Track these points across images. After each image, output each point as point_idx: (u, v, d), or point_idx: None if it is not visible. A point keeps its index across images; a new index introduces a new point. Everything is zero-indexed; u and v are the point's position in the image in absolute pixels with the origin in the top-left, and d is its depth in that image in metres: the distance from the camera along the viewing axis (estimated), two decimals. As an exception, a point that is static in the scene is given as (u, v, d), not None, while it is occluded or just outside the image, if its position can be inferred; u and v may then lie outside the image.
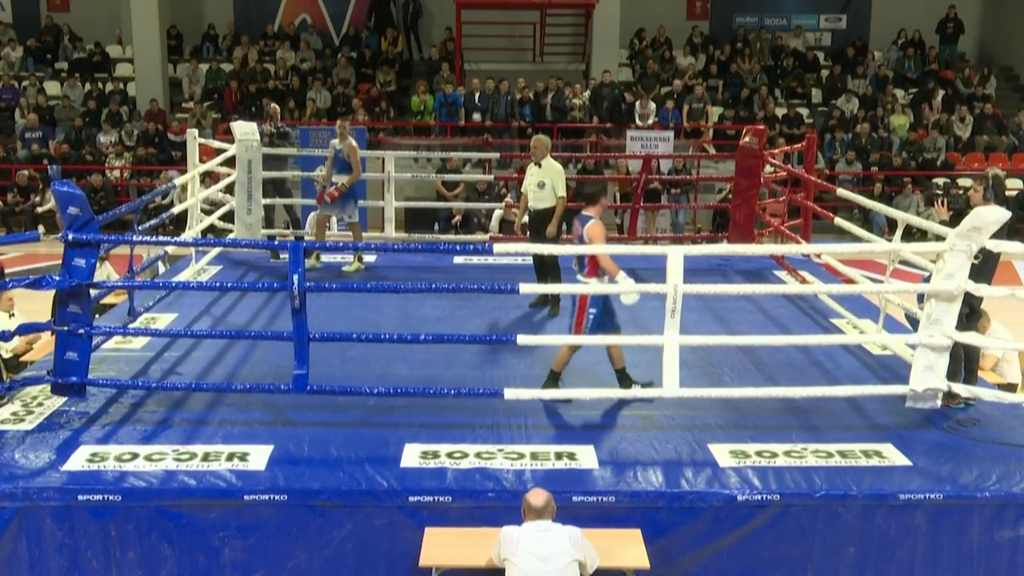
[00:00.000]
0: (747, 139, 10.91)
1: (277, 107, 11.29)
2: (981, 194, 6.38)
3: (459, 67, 19.74)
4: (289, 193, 11.30)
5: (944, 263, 6.04)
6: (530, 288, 6.47)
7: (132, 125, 18.66)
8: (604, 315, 6.52)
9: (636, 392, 6.53)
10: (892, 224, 12.72)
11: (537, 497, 4.96)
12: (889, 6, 21.66)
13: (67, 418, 6.23)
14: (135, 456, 5.70)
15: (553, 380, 6.66)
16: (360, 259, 10.24)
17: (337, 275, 9.87)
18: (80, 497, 5.35)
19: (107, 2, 21.21)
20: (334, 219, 12.78)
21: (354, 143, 9.95)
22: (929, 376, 6.12)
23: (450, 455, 5.76)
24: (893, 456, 5.85)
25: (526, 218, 8.82)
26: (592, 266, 6.47)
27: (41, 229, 15.99)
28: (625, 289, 6.21)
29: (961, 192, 16.72)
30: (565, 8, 20.46)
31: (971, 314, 6.39)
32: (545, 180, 8.57)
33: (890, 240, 8.00)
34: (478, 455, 5.77)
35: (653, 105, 18.25)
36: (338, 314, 8.08)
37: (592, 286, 6.39)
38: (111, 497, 5.35)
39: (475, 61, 20.17)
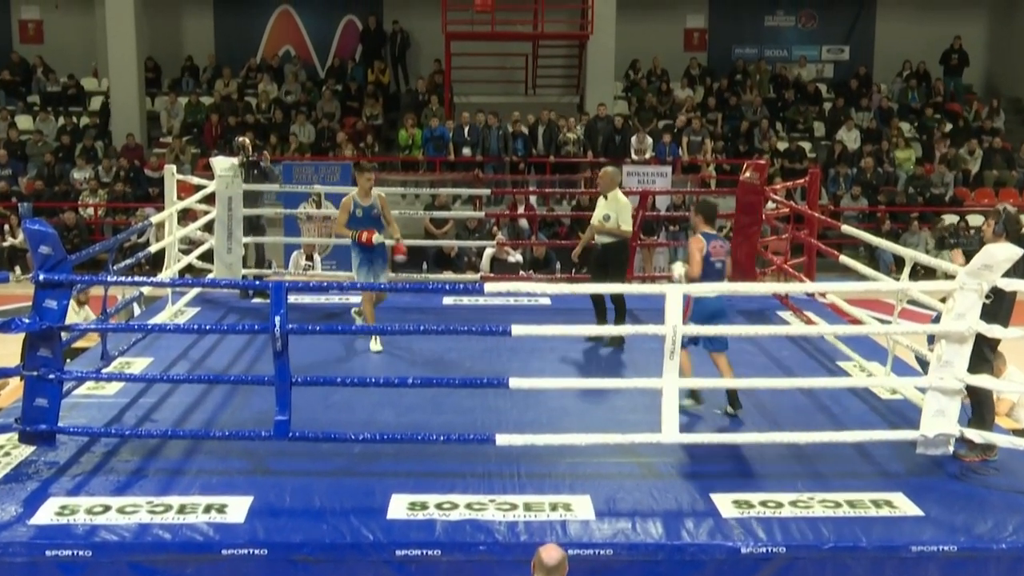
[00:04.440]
0: (747, 174, 10.96)
1: (246, 140, 11.15)
2: (992, 229, 6.42)
3: (449, 100, 19.88)
4: (263, 231, 11.26)
5: (954, 302, 6.06)
6: (549, 330, 6.59)
7: (108, 161, 18.70)
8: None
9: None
10: (899, 262, 12.76)
11: (551, 554, 4.59)
12: (893, 37, 21.90)
13: (35, 468, 6.18)
14: (107, 508, 5.64)
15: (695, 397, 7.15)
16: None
17: (321, 316, 9.84)
18: (48, 552, 5.29)
19: (82, 33, 21.34)
20: (317, 257, 12.86)
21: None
22: (940, 421, 6.12)
23: (439, 506, 5.72)
24: (904, 505, 5.83)
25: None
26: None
27: (18, 270, 15.99)
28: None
29: (972, 233, 16.78)
30: (558, 40, 20.66)
31: (982, 357, 6.34)
32: (611, 213, 8.72)
33: (898, 279, 8.03)
34: (468, 506, 5.73)
35: (650, 139, 18.38)
36: (322, 357, 8.06)
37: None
38: (81, 552, 5.29)
39: (465, 94, 20.32)
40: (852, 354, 8.42)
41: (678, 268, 7.19)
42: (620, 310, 8.79)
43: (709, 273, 7.13)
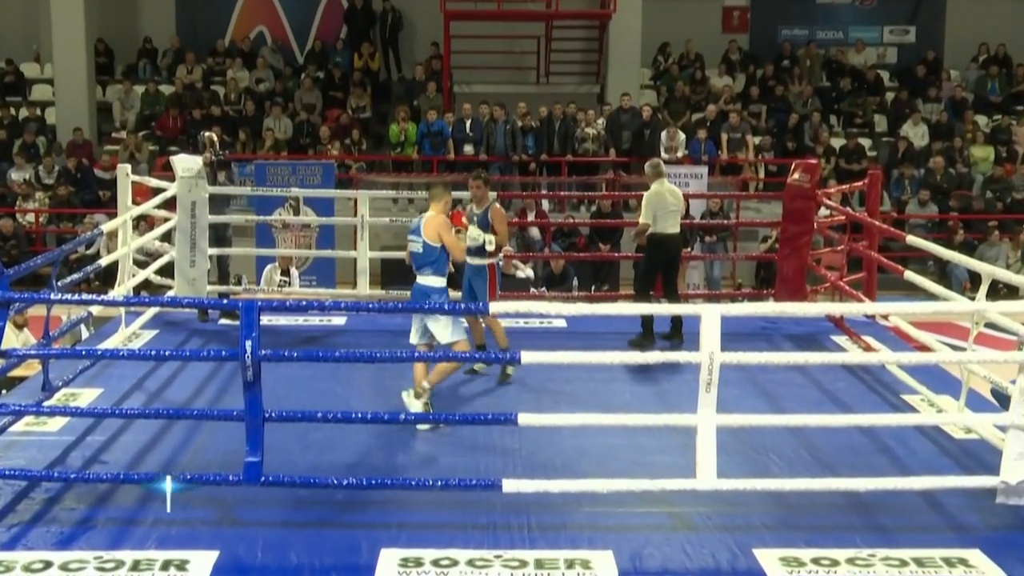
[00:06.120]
0: (796, 176, 10.99)
1: (213, 135, 11.16)
2: None
3: (447, 89, 19.95)
4: (229, 241, 11.29)
5: (1039, 326, 6.06)
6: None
7: (51, 159, 18.79)
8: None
9: None
10: (975, 279, 12.74)
11: None
12: (967, 16, 21.86)
13: (-35, 517, 6.20)
14: (48, 565, 5.64)
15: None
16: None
17: (300, 341, 9.86)
18: (-20, 616, 5.32)
19: (22, 12, 21.46)
20: (295, 271, 12.88)
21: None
22: None
23: (436, 562, 5.72)
24: (982, 564, 5.81)
25: None
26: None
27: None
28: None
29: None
30: (575, 20, 20.72)
31: None
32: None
33: (973, 298, 8.03)
34: (470, 562, 5.73)
35: (682, 135, 18.41)
36: (300, 388, 8.07)
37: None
38: (18, 615, 5.32)
39: (467, 82, 20.39)
40: (919, 387, 8.41)
41: (483, 239, 8.24)
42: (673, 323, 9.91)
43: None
